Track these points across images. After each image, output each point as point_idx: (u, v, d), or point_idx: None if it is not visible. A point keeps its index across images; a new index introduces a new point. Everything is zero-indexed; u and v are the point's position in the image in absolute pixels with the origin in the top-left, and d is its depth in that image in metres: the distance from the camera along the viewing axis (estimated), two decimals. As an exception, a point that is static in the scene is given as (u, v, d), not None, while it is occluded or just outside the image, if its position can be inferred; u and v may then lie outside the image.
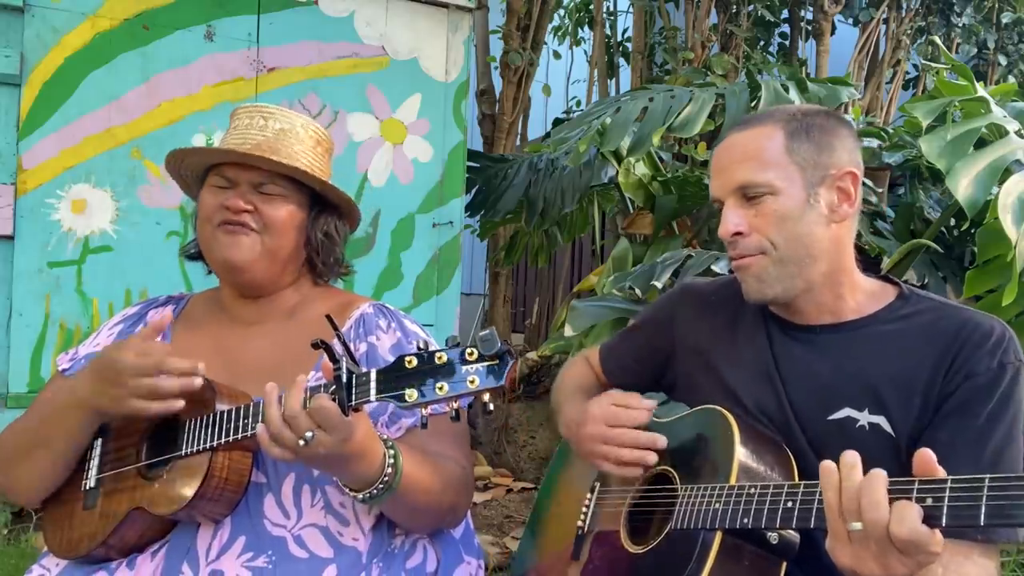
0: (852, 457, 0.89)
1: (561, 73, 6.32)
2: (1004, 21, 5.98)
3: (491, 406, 0.97)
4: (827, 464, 0.91)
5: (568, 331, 2.41)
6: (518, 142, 5.32)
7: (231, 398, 1.20)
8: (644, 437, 1.21)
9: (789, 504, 0.99)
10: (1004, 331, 1.12)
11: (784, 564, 1.07)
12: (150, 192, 2.94)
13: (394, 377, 1.00)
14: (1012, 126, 2.24)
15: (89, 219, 2.86)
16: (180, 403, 1.13)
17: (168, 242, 2.96)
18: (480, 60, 5.02)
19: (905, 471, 0.88)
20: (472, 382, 0.96)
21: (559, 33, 6.28)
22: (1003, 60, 6.11)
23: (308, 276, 1.42)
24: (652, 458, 1.20)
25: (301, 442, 1.01)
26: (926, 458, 0.85)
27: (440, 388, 0.97)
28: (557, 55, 6.03)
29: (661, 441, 1.20)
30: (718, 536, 1.05)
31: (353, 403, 1.02)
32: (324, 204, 1.38)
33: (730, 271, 2.26)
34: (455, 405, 1.00)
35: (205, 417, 1.16)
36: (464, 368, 0.97)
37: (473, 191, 4.06)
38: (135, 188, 2.92)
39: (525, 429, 4.36)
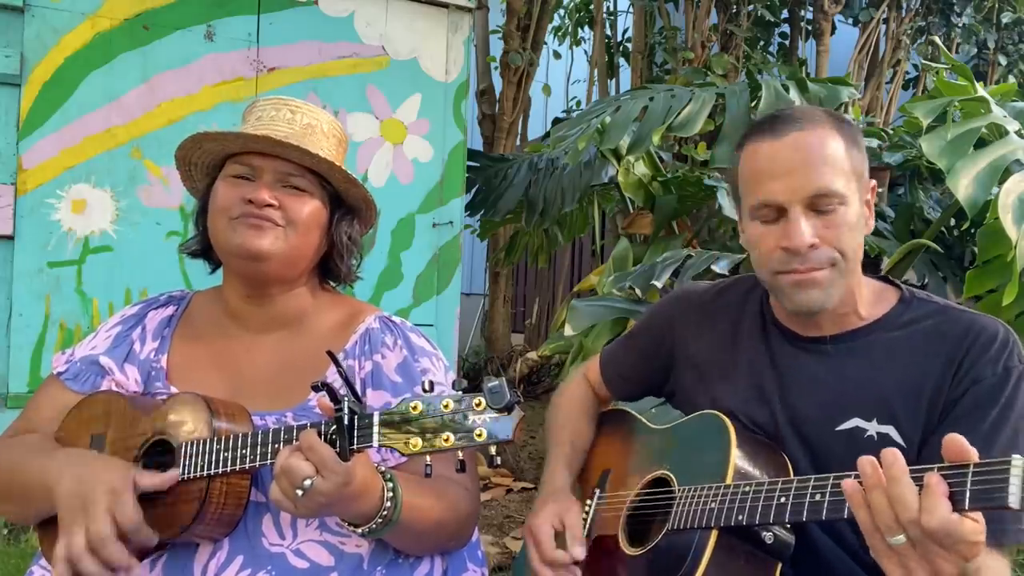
0: (869, 465, 0.87)
1: (561, 73, 6.33)
2: (1004, 21, 5.99)
3: (498, 460, 0.94)
4: (851, 483, 0.89)
5: (568, 331, 2.41)
6: (518, 142, 5.33)
7: (228, 416, 1.17)
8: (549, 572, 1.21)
9: (782, 500, 0.99)
10: (1008, 334, 1.11)
11: (779, 565, 1.07)
12: (150, 192, 2.94)
13: (398, 422, 0.97)
14: (1012, 126, 2.25)
15: (89, 219, 2.85)
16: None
17: (168, 242, 2.96)
18: (480, 60, 5.03)
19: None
20: (479, 435, 0.93)
21: (559, 33, 6.28)
22: (1003, 60, 6.13)
23: (315, 279, 1.38)
24: None
25: (299, 491, 0.98)
26: (956, 441, 0.83)
27: (445, 439, 0.94)
28: (557, 55, 6.05)
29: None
30: (713, 535, 1.06)
31: (355, 447, 0.99)
32: (342, 205, 1.34)
33: (730, 272, 2.27)
34: (460, 456, 0.97)
35: (201, 443, 1.12)
36: (471, 418, 0.94)
37: (473, 191, 4.07)
38: (135, 188, 2.92)
39: (525, 429, 4.36)
